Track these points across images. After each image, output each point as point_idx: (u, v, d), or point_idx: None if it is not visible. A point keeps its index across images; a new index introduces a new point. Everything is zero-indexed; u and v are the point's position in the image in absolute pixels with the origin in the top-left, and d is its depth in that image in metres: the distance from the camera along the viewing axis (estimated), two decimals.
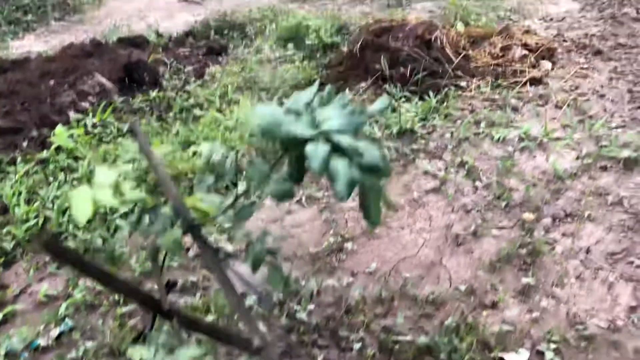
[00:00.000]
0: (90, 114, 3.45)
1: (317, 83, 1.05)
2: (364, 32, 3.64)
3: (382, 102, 0.97)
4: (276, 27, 4.47)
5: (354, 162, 0.86)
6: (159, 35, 4.89)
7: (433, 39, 3.50)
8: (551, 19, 4.19)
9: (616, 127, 2.80)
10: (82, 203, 1.03)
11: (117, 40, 4.60)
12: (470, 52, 3.61)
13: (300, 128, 0.89)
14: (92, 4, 6.45)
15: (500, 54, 3.61)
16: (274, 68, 3.97)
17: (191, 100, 3.55)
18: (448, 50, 3.46)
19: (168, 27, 5.29)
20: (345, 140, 0.87)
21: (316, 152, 0.83)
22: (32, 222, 2.52)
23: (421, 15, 4.61)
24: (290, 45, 4.18)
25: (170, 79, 3.97)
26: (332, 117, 0.92)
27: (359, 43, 3.56)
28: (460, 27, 3.91)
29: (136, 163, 2.12)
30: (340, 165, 0.83)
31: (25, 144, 3.21)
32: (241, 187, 1.07)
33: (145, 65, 3.87)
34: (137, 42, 4.56)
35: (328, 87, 1.01)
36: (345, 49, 3.92)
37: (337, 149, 0.87)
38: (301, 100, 0.98)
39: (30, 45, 5.42)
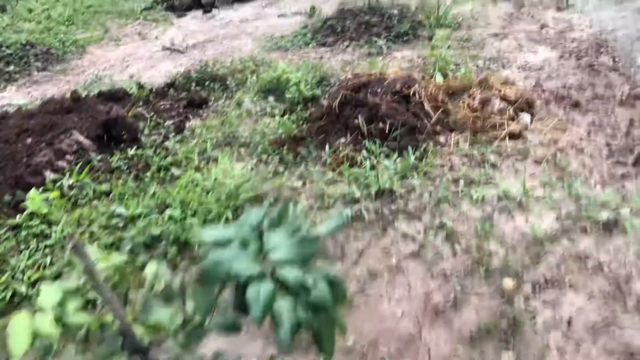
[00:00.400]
0: (67, 174, 3.40)
1: (266, 204, 1.01)
2: (342, 88, 3.65)
3: (335, 221, 0.93)
4: (257, 79, 4.47)
5: (300, 301, 0.81)
6: (140, 87, 4.87)
7: (411, 93, 3.51)
8: (530, 68, 4.22)
9: (595, 185, 2.78)
10: (20, 334, 0.97)
11: (97, 94, 4.57)
12: (449, 105, 3.61)
13: (244, 265, 0.84)
14: (75, 53, 6.46)
15: (479, 107, 3.61)
16: (255, 122, 3.95)
17: (169, 159, 3.51)
18: (426, 105, 3.46)
19: (150, 77, 5.29)
20: (292, 275, 0.82)
21: (258, 296, 0.79)
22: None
23: (401, 65, 4.64)
24: (271, 99, 4.18)
25: (150, 135, 3.94)
26: (281, 246, 0.88)
27: (338, 99, 3.55)
28: (439, 78, 3.92)
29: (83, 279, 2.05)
30: (284, 307, 0.79)
31: None
32: (190, 307, 1.02)
33: (124, 121, 3.84)
34: (117, 95, 4.54)
35: (279, 207, 0.97)
36: (325, 102, 3.92)
37: (283, 286, 0.82)
38: (250, 221, 0.94)
39: (11, 97, 5.39)
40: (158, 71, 5.48)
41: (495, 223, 2.60)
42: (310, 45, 5.49)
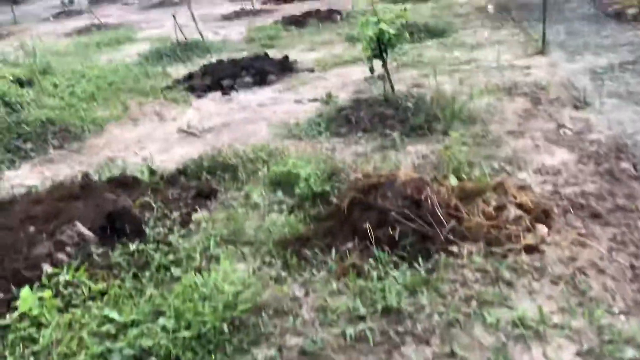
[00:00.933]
0: (65, 269, 3.30)
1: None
2: (352, 189, 3.56)
3: None
4: (267, 171, 4.41)
5: None
6: (151, 172, 4.85)
7: (423, 198, 3.40)
8: (547, 172, 4.10)
9: (619, 313, 2.59)
10: None
11: (107, 180, 4.55)
12: (462, 210, 3.49)
13: None
14: (93, 131, 6.53)
15: (494, 214, 3.48)
16: (262, 217, 3.86)
17: (171, 256, 3.41)
18: (438, 211, 3.34)
19: (163, 162, 5.28)
20: None
21: None
22: None
23: (414, 161, 4.57)
24: (280, 193, 4.10)
25: (155, 227, 3.86)
26: None
27: (347, 200, 3.46)
28: (452, 181, 3.82)
29: None
30: None
31: None
32: None
33: (129, 213, 3.77)
34: (126, 182, 4.51)
35: None
36: (335, 199, 3.83)
37: None
38: None
39: (25, 176, 5.41)
40: (171, 155, 5.48)
41: (510, 355, 2.41)
42: (324, 135, 5.48)
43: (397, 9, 10.83)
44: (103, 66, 10.25)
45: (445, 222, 3.30)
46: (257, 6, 16.26)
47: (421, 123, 5.29)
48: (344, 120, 5.64)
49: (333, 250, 3.25)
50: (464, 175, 4.01)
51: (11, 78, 9.34)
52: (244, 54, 10.03)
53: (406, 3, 13.11)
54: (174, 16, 10.77)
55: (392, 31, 5.30)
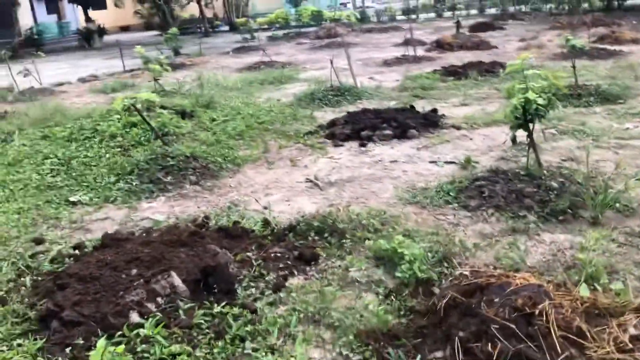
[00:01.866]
0: (150, 321, 3.30)
1: None
2: (453, 287, 3.11)
3: None
4: (374, 243, 4.10)
5: None
6: (265, 224, 4.81)
7: (537, 312, 2.84)
8: None
9: None
10: None
11: (218, 229, 4.57)
12: (587, 334, 2.85)
13: None
14: (230, 170, 6.76)
15: (630, 346, 2.80)
16: (356, 297, 3.56)
17: (249, 327, 3.24)
18: (554, 333, 2.76)
19: (281, 213, 5.24)
20: None
21: None
22: None
23: (544, 256, 3.94)
24: (380, 271, 3.77)
25: (248, 287, 3.75)
26: None
27: (445, 300, 3.02)
28: (583, 291, 3.18)
29: None
30: None
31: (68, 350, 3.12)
32: None
33: (224, 270, 3.70)
34: (235, 233, 4.49)
35: None
36: (438, 291, 3.40)
37: None
38: None
39: (158, 209, 5.72)
40: (291, 207, 5.42)
41: None
42: (451, 205, 5.03)
43: (558, 70, 10.00)
44: (259, 104, 10.78)
45: (559, 348, 2.71)
46: (421, 53, 16.11)
47: (565, 207, 4.61)
48: (477, 192, 5.14)
49: (419, 358, 2.84)
50: (600, 286, 3.32)
51: (177, 108, 10.22)
52: (392, 103, 9.88)
53: (582, 60, 12.03)
54: (331, 61, 11.00)
55: (540, 101, 4.73)
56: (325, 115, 9.55)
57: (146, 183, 6.32)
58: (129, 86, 14.97)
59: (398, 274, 3.61)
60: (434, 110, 8.79)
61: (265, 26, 35.28)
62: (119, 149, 7.90)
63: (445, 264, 3.77)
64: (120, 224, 5.37)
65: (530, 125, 5.03)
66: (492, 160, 6.24)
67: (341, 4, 50.82)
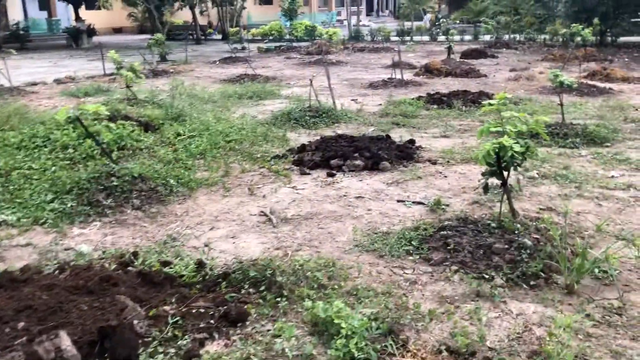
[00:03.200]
0: None
1: None
2: None
3: None
4: (312, 306, 3.51)
5: None
6: (198, 267, 4.22)
7: None
8: None
9: None
10: None
11: (137, 273, 3.96)
12: None
13: None
14: (180, 196, 6.17)
15: None
16: None
17: None
18: None
19: (222, 253, 4.67)
20: None
21: None
22: None
23: (509, 333, 3.38)
24: (313, 343, 3.19)
25: (154, 354, 3.15)
26: None
27: None
28: None
29: None
30: None
31: None
32: None
33: (125, 331, 3.10)
34: (158, 280, 3.89)
35: None
36: None
37: None
38: None
39: (87, 237, 5.11)
40: (235, 246, 4.83)
41: None
42: (412, 257, 4.47)
43: (544, 105, 9.56)
44: (232, 120, 10.23)
45: None
46: (409, 77, 15.67)
47: (537, 270, 4.07)
48: (442, 243, 4.59)
49: None
50: None
51: (143, 119, 9.62)
52: (371, 130, 9.37)
53: (572, 96, 11.63)
54: (310, 80, 10.48)
55: (517, 147, 4.20)
56: (299, 137, 9.02)
57: (83, 205, 5.71)
58: (103, 91, 14.36)
59: (331, 352, 3.02)
60: (411, 141, 8.27)
61: (259, 37, 34.86)
62: (67, 162, 7.29)
63: (391, 339, 3.19)
64: (40, 252, 4.75)
65: (505, 172, 4.49)
66: (464, 203, 5.70)
67: (338, 20, 50.71)
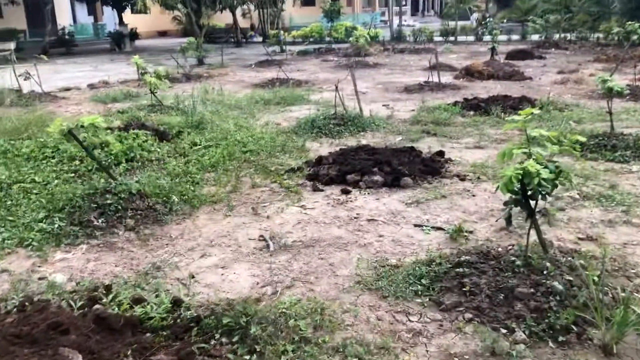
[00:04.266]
0: None
1: None
2: None
3: None
4: None
5: None
6: (173, 307, 3.72)
7: None
8: None
9: None
10: None
11: (95, 317, 3.47)
12: None
13: None
14: (180, 215, 5.71)
15: None
16: None
17: None
18: None
19: (208, 287, 4.17)
20: None
21: None
22: None
23: None
24: None
25: None
26: None
27: None
28: None
29: None
30: None
31: None
32: None
33: None
34: (116, 326, 3.39)
35: None
36: None
37: None
38: None
39: (69, 262, 4.71)
40: (223, 279, 4.32)
41: None
42: (420, 299, 3.84)
43: (594, 112, 8.63)
44: (254, 128, 9.78)
45: None
46: (448, 79, 14.89)
47: (568, 323, 3.37)
48: (457, 282, 3.93)
49: None
50: None
51: (160, 128, 9.28)
52: (398, 139, 8.71)
53: (625, 102, 10.62)
54: (336, 85, 9.91)
55: (545, 174, 3.50)
56: (320, 147, 8.46)
57: (73, 225, 5.32)
58: (132, 96, 14.22)
59: None
60: (440, 153, 7.57)
61: (300, 39, 34.51)
62: (71, 175, 6.97)
63: None
64: (12, 282, 4.36)
65: (532, 202, 3.79)
66: (490, 230, 5.01)
67: (382, 21, 49.80)
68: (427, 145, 8.18)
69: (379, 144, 8.42)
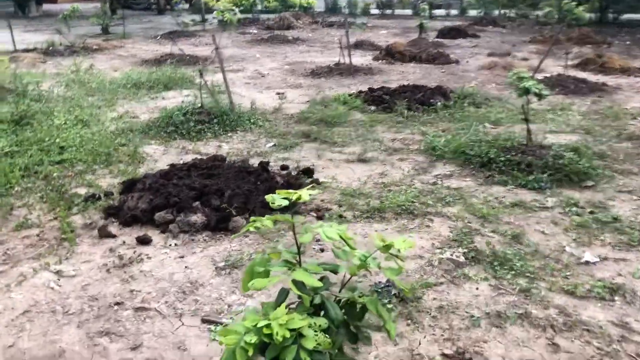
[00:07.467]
0: None
1: None
2: None
3: None
4: None
5: None
6: None
7: None
8: None
9: None
10: None
11: None
12: None
13: None
14: None
15: None
16: None
17: None
18: None
19: None
20: None
21: None
22: None
23: None
24: None
25: None
26: None
27: None
28: None
29: None
30: None
31: None
32: None
33: None
34: None
35: None
36: None
37: None
38: None
39: None
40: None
41: None
42: None
43: (506, 118, 7.15)
44: (101, 124, 7.66)
45: None
46: (366, 61, 13.02)
47: None
48: None
49: None
50: None
51: None
52: (269, 145, 6.83)
53: (554, 95, 8.96)
54: (200, 72, 7.84)
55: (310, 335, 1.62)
56: (164, 156, 6.48)
57: None
58: None
59: None
60: (308, 171, 5.70)
61: (230, 8, 31.80)
62: None
63: None
64: None
65: None
66: None
67: None
68: (300, 156, 6.29)
69: (238, 153, 6.47)
